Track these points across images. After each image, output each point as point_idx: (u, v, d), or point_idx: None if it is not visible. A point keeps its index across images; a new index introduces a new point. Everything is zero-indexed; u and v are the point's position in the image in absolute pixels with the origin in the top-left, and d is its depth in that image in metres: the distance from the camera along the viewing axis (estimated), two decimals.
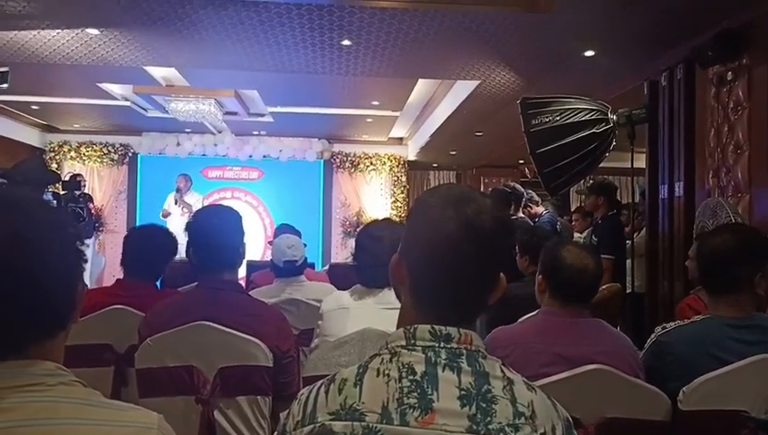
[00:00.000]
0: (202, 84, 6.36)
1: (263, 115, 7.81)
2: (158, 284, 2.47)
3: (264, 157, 9.26)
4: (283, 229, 3.92)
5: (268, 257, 3.03)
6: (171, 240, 2.46)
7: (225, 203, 8.71)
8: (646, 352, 1.81)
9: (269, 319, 1.86)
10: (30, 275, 0.74)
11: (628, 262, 4.24)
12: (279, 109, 7.48)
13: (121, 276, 2.45)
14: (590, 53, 4.40)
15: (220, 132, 8.87)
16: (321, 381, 0.89)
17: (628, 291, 4.14)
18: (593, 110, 3.94)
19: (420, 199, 0.95)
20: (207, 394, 1.73)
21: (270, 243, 3.20)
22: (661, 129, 4.22)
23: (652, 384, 1.64)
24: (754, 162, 3.36)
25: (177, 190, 7.73)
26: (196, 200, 7.87)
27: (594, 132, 3.88)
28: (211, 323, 1.75)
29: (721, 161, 3.64)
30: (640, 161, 4.65)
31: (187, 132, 8.88)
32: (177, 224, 7.52)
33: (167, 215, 7.68)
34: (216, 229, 1.87)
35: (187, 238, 1.90)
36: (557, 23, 3.83)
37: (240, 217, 1.93)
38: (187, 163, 8.84)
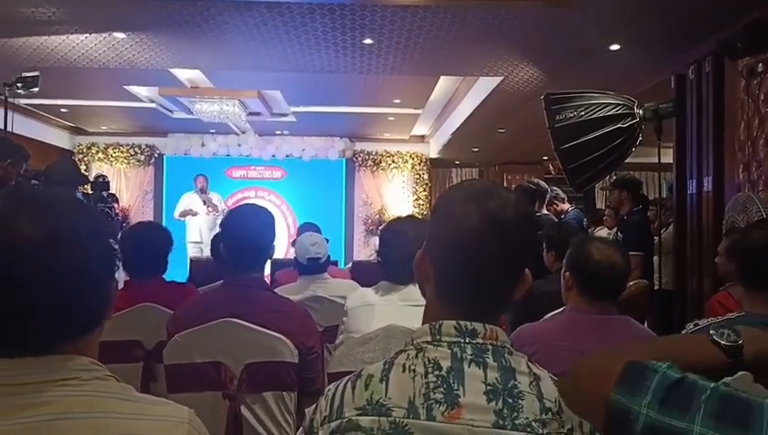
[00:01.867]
0: (226, 85, 6.44)
1: (285, 115, 7.87)
2: (165, 277, 2.46)
3: (287, 156, 9.33)
4: (305, 228, 3.94)
5: (291, 256, 3.05)
6: (165, 233, 2.47)
7: (248, 202, 8.81)
8: None
9: (294, 316, 1.88)
10: (67, 274, 0.76)
11: (655, 259, 4.17)
12: (301, 108, 7.53)
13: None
14: (614, 47, 4.34)
15: (244, 133, 8.96)
16: (347, 377, 0.90)
17: (655, 288, 4.08)
18: (619, 104, 3.88)
19: (444, 195, 0.95)
20: (234, 390, 1.75)
21: (293, 242, 3.22)
22: (689, 123, 4.14)
23: None
24: None
25: (202, 191, 7.82)
26: (218, 200, 7.98)
27: (620, 127, 3.82)
28: (238, 320, 1.77)
29: (751, 155, 3.56)
30: (667, 157, 4.56)
31: (212, 133, 8.99)
32: (202, 223, 7.62)
33: (190, 214, 7.74)
34: (252, 229, 1.90)
35: (220, 232, 1.92)
36: (580, 17, 3.78)
37: (274, 219, 1.96)
38: (211, 163, 8.96)
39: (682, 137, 4.24)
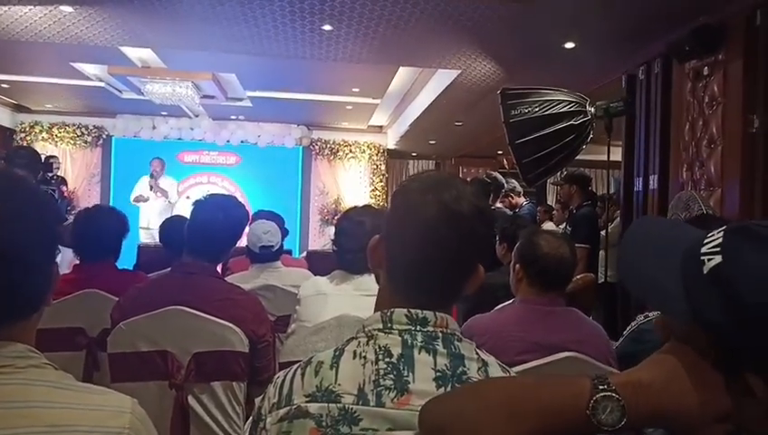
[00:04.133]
0: (179, 66, 6.25)
1: (241, 99, 7.71)
2: (116, 264, 2.41)
3: (242, 142, 9.15)
4: (259, 216, 3.88)
5: (244, 244, 2.99)
6: (121, 218, 2.41)
7: (200, 188, 8.63)
8: (625, 339, 1.83)
9: (244, 303, 1.84)
10: (6, 255, 0.72)
11: (602, 253, 4.31)
12: (258, 93, 7.39)
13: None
14: (570, 45, 4.43)
15: (197, 116, 8.73)
16: (297, 365, 0.89)
17: (600, 281, 4.21)
18: (572, 102, 3.97)
19: (402, 185, 0.96)
20: (181, 379, 1.71)
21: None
22: (638, 122, 4.28)
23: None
24: (727, 157, 3.43)
25: (152, 176, 7.59)
26: (171, 185, 7.75)
27: (572, 124, 3.91)
28: (186, 308, 1.73)
29: (695, 155, 3.70)
30: (616, 155, 4.71)
31: (163, 115, 8.73)
32: (152, 208, 7.41)
33: (142, 199, 7.55)
34: (222, 224, 1.86)
35: (170, 218, 1.87)
36: (538, 13, 3.84)
37: (247, 220, 1.92)
38: (162, 147, 8.69)
39: (631, 136, 4.38)
